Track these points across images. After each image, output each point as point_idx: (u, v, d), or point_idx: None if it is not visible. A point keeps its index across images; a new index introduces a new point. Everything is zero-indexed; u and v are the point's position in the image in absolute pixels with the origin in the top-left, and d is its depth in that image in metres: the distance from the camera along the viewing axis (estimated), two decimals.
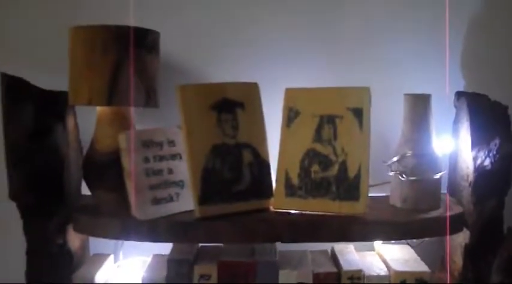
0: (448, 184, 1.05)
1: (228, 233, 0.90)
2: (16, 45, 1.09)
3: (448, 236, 0.96)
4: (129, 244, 1.07)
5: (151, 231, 0.90)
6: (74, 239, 0.98)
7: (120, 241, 1.07)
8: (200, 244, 1.03)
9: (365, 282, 0.94)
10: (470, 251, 0.97)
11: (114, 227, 0.91)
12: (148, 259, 1.02)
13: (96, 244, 1.06)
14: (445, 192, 1.04)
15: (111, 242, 1.07)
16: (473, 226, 0.95)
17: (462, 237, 0.98)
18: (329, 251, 1.04)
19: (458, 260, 0.99)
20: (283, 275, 0.93)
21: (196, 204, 0.90)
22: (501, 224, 0.96)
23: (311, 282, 0.93)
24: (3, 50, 1.10)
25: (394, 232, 0.92)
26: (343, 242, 0.93)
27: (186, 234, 0.90)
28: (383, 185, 1.02)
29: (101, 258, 1.03)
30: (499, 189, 0.95)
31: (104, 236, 0.93)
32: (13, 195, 0.91)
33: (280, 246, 0.99)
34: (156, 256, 1.02)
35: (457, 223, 0.95)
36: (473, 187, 0.94)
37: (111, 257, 1.05)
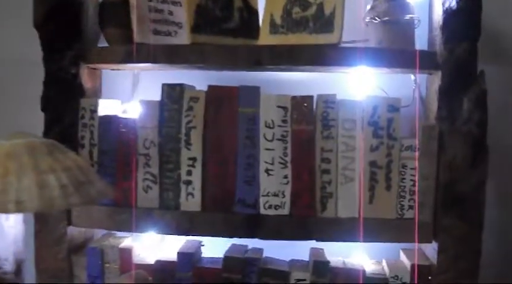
0: (428, 44, 1.12)
1: (213, 54, 1.02)
2: None
3: (417, 70, 1.03)
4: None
5: (150, 52, 1.03)
6: (86, 80, 1.11)
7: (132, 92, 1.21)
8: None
9: (339, 107, 1.01)
10: (443, 91, 1.02)
11: (120, 53, 1.05)
12: None
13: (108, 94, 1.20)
14: None
15: (123, 95, 1.21)
16: (445, 65, 1.02)
17: (437, 83, 1.04)
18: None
19: (435, 105, 1.05)
20: (264, 98, 1.03)
21: (188, 32, 1.03)
22: (474, 69, 1.02)
23: (289, 105, 1.02)
24: None
25: (367, 57, 1.00)
26: (320, 67, 1.01)
27: (177, 54, 1.03)
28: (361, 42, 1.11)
29: (109, 101, 1.14)
30: (469, 32, 1.02)
31: (112, 62, 1.07)
32: (36, 23, 1.06)
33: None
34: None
35: (428, 61, 1.02)
36: (442, 28, 1.02)
37: (119, 101, 1.18)
